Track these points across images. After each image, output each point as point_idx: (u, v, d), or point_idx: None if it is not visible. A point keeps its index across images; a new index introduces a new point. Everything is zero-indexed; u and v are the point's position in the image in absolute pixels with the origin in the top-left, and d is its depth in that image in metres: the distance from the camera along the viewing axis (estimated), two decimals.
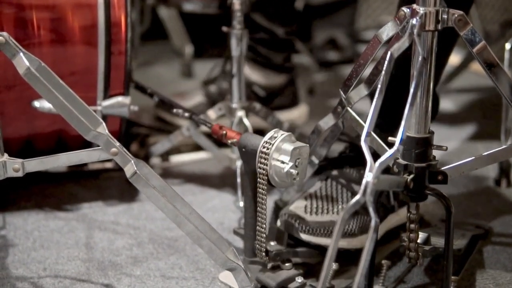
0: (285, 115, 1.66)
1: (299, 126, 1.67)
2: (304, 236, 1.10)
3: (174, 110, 1.36)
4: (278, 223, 1.14)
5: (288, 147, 1.00)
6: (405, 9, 0.93)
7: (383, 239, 1.17)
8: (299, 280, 1.06)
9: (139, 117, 1.65)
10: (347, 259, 1.09)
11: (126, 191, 1.40)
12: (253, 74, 1.64)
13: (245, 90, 1.40)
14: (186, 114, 1.34)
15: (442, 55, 1.22)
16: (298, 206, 1.14)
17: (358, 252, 1.09)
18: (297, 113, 1.72)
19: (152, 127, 1.65)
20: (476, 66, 2.09)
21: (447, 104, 1.89)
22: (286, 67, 1.70)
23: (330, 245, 0.82)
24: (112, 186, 1.44)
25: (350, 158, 1.21)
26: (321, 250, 1.11)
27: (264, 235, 1.05)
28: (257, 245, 1.06)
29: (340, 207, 1.14)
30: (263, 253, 1.06)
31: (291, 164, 1.00)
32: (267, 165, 1.01)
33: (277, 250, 1.08)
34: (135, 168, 0.98)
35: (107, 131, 0.97)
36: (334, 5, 2.43)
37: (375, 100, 0.89)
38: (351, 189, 1.17)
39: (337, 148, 1.26)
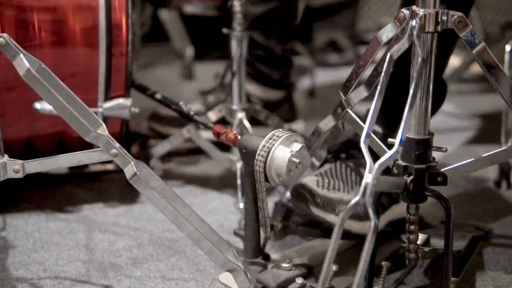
0: None
1: None
2: (314, 210, 1.10)
3: (181, 103, 1.36)
4: (288, 194, 1.13)
5: (298, 144, 1.02)
6: (405, 11, 0.93)
7: (383, 238, 1.17)
8: (299, 281, 1.06)
9: (137, 126, 1.65)
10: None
11: (126, 193, 1.40)
12: (251, 87, 1.64)
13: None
14: (191, 113, 1.34)
15: (442, 55, 1.22)
16: (310, 180, 1.14)
17: (359, 235, 1.10)
18: (295, 128, 1.71)
19: (150, 136, 1.64)
20: (476, 68, 2.09)
21: (447, 106, 1.89)
22: (283, 84, 1.70)
23: (329, 246, 0.82)
24: (113, 187, 1.44)
25: (357, 143, 1.21)
26: (324, 229, 1.11)
27: (268, 212, 1.05)
28: (262, 221, 1.06)
29: (350, 187, 1.14)
30: (268, 228, 1.06)
31: (296, 154, 1.00)
32: (269, 154, 1.01)
33: (281, 225, 1.08)
34: (135, 170, 0.98)
35: (107, 132, 0.97)
36: (334, 7, 2.43)
37: (374, 101, 0.89)
38: (359, 173, 1.17)
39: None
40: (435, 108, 1.27)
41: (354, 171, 1.17)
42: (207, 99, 1.65)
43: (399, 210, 1.20)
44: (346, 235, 1.10)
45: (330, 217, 1.10)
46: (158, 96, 1.41)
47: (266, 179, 1.02)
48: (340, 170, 1.17)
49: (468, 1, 1.18)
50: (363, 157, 1.18)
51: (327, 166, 1.19)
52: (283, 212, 1.14)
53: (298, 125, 1.73)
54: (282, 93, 1.69)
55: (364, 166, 1.17)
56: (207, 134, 1.40)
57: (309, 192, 1.11)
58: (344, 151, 1.22)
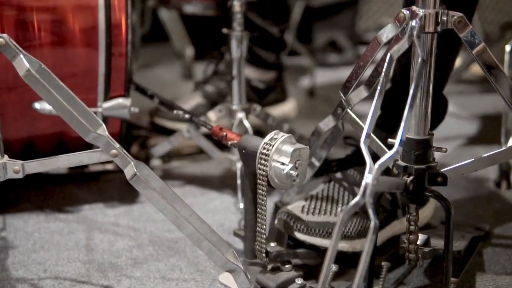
0: (280, 109, 1.73)
1: (292, 119, 1.75)
2: (299, 235, 1.11)
3: (175, 112, 1.36)
4: (276, 222, 1.14)
5: (288, 148, 1.01)
6: (405, 11, 0.93)
7: (384, 246, 1.17)
8: (299, 282, 1.06)
9: (139, 119, 1.65)
10: (343, 262, 1.08)
11: (126, 193, 1.40)
12: (249, 71, 1.65)
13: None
14: (187, 116, 1.34)
15: (447, 57, 1.21)
16: (296, 206, 1.15)
17: (354, 255, 1.09)
18: (289, 107, 1.78)
19: (151, 130, 1.65)
20: (476, 68, 2.09)
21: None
22: (276, 65, 1.74)
23: (329, 246, 0.82)
24: (113, 187, 1.44)
25: (355, 161, 1.21)
26: (317, 250, 1.11)
27: (264, 236, 1.05)
28: (257, 246, 1.06)
29: (339, 209, 1.14)
30: (263, 254, 1.06)
31: (291, 165, 1.00)
32: (267, 167, 1.01)
33: (277, 251, 1.08)
34: (135, 170, 0.98)
35: (107, 132, 0.97)
36: (334, 7, 2.43)
37: (374, 101, 0.89)
38: (353, 192, 1.17)
39: (343, 151, 1.26)
40: (435, 125, 1.27)
41: (347, 191, 1.17)
42: (206, 90, 1.65)
43: (399, 226, 1.19)
44: (340, 258, 1.10)
45: (315, 240, 1.10)
46: (156, 100, 1.41)
47: (271, 186, 1.02)
48: (332, 192, 1.17)
49: (472, 3, 1.18)
50: (357, 176, 1.18)
51: (320, 187, 1.19)
52: (277, 235, 1.13)
53: (290, 104, 1.77)
54: (274, 74, 1.73)
55: (358, 186, 1.17)
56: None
57: (293, 219, 1.11)
58: (340, 170, 1.21)
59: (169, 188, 1.01)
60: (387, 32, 0.97)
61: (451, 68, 1.28)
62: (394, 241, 1.17)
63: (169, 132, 1.56)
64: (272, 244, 1.09)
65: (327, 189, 1.18)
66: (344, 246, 1.11)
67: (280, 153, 1.01)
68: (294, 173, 1.00)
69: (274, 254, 1.07)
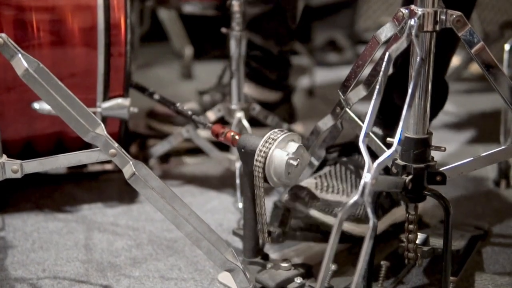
0: None
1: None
2: (312, 212, 1.10)
3: (178, 104, 1.36)
4: (286, 196, 1.13)
5: (295, 144, 1.02)
6: (403, 10, 0.93)
7: (383, 237, 1.17)
8: (298, 281, 1.06)
9: (136, 126, 1.65)
10: (351, 243, 1.08)
11: (125, 193, 1.40)
12: (247, 88, 1.61)
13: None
14: (189, 113, 1.34)
15: (445, 54, 1.21)
16: (308, 182, 1.14)
17: (361, 239, 1.09)
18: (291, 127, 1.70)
19: (148, 136, 1.64)
20: (475, 67, 2.09)
21: (446, 105, 1.89)
22: (281, 85, 1.67)
23: (328, 246, 0.82)
24: (112, 187, 1.44)
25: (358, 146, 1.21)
26: (323, 231, 1.11)
27: (265, 218, 1.05)
28: (259, 227, 1.06)
29: (349, 189, 1.13)
30: (265, 235, 1.06)
31: (293, 155, 1.00)
32: (265, 164, 1.00)
33: (279, 231, 1.08)
34: (134, 169, 0.98)
35: (105, 132, 0.97)
36: (334, 6, 2.43)
37: (373, 100, 0.89)
38: (359, 175, 1.16)
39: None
40: (437, 110, 1.27)
41: (354, 174, 1.17)
42: (202, 98, 1.65)
43: (401, 212, 1.19)
44: (348, 238, 1.10)
45: (328, 219, 1.10)
46: (156, 96, 1.41)
47: (266, 181, 1.02)
48: (340, 173, 1.17)
49: (471, 1, 1.18)
50: (362, 160, 1.18)
51: (327, 169, 1.19)
52: (280, 216, 1.13)
53: (296, 127, 1.72)
54: (279, 95, 1.67)
55: (363, 169, 1.16)
56: (206, 134, 1.40)
57: (307, 194, 1.11)
58: (345, 154, 1.21)
59: (168, 188, 1.01)
60: (386, 31, 0.97)
61: (453, 51, 1.27)
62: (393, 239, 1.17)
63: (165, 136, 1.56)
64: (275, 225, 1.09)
65: (334, 171, 1.18)
66: (355, 229, 1.11)
67: (286, 144, 1.02)
68: (294, 162, 1.00)
69: (277, 234, 1.07)
